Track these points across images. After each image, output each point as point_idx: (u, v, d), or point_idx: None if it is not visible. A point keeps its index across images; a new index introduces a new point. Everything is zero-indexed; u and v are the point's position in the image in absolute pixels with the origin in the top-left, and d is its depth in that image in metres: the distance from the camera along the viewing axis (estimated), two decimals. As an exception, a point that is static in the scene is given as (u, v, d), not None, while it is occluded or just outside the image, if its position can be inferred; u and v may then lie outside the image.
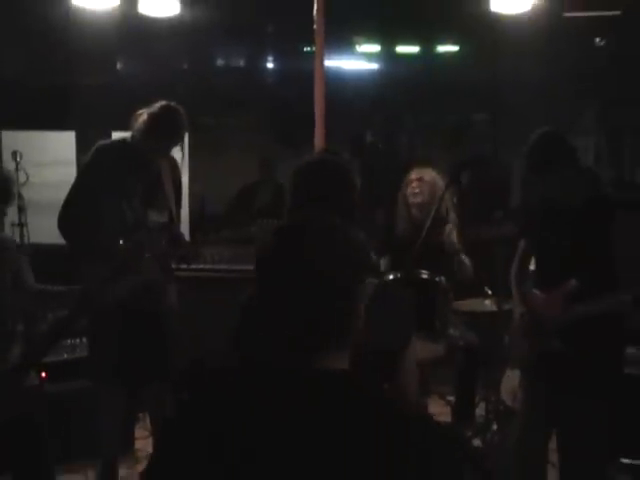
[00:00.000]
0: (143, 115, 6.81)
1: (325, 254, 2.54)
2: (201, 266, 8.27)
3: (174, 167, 7.25)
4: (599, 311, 5.35)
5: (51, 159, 8.57)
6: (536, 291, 5.76)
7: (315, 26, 8.66)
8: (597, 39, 12.91)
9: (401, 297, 4.44)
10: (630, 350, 6.67)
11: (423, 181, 7.99)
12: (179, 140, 7.07)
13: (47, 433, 5.46)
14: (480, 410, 7.72)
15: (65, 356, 6.93)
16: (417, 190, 7.96)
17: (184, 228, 7.86)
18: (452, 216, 8.04)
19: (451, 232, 7.98)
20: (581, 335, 5.40)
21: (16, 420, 5.18)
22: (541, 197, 5.92)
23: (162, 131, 6.83)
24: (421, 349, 6.49)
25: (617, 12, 11.91)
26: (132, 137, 6.89)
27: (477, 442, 7.45)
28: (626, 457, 6.78)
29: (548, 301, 5.54)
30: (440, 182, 7.93)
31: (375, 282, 4.09)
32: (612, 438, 5.93)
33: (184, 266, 7.12)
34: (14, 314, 5.27)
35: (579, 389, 5.45)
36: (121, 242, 6.57)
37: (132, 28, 10.28)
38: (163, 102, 6.82)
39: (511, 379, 6.83)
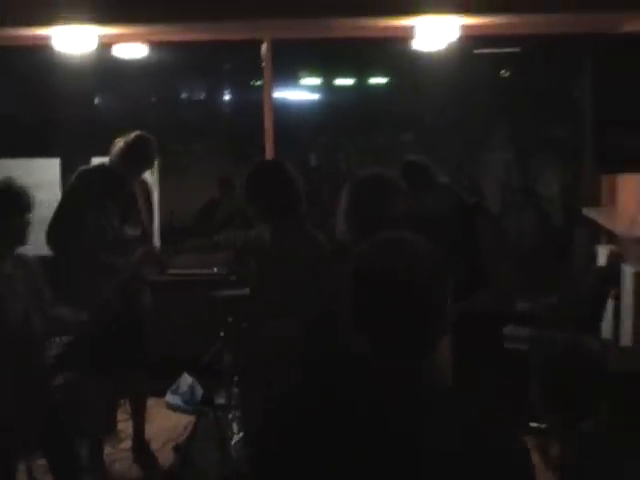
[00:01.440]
0: (120, 143, 6.92)
1: (427, 274, 2.50)
2: (170, 271, 8.32)
3: (146, 188, 7.36)
4: (475, 308, 5.47)
5: (39, 182, 8.56)
6: None
7: (263, 63, 8.78)
8: (502, 71, 13.09)
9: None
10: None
11: None
12: (151, 164, 7.21)
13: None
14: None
15: (54, 352, 6.95)
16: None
17: (156, 239, 7.94)
18: None
19: None
20: (463, 326, 5.51)
21: (48, 413, 5.28)
22: (410, 210, 6.05)
23: (136, 157, 6.95)
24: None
25: (517, 49, 12.12)
26: (110, 162, 6.99)
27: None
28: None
29: None
30: None
31: None
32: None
33: (156, 271, 7.22)
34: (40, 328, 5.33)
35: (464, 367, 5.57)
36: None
37: (107, 68, 10.33)
38: (137, 132, 6.94)
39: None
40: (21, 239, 5.25)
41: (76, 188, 6.91)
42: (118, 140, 6.99)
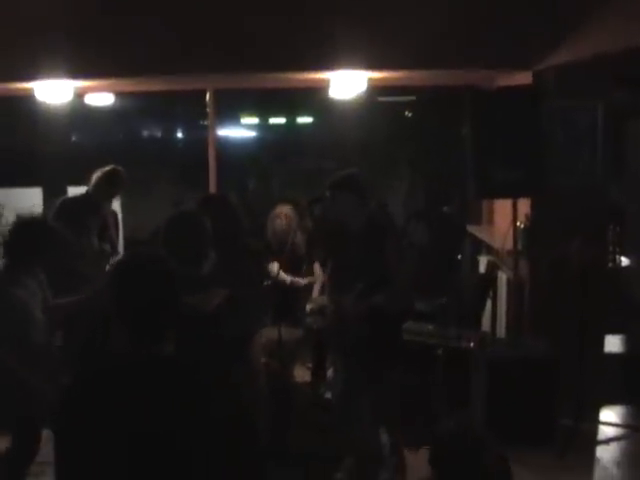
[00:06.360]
0: (97, 175, 7.06)
1: (156, 282, 2.75)
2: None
3: (114, 214, 7.50)
4: (377, 303, 5.58)
5: (25, 207, 8.59)
6: (338, 294, 5.95)
7: (208, 108, 8.86)
8: (406, 112, 13.24)
9: (250, 302, 4.56)
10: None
11: (283, 214, 8.03)
12: (121, 191, 7.34)
13: None
14: (330, 372, 7.79)
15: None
16: (277, 221, 7.99)
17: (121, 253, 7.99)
18: (301, 238, 8.08)
19: (301, 248, 8.04)
20: (370, 322, 5.61)
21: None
22: (332, 225, 6.14)
23: (110, 186, 7.08)
24: (287, 332, 6.71)
25: (413, 97, 12.32)
26: (87, 191, 7.12)
27: (328, 394, 7.54)
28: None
29: (345, 301, 5.76)
30: (293, 214, 8.01)
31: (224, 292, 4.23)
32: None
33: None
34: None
35: (373, 357, 5.67)
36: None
37: (81, 114, 10.34)
38: (111, 166, 7.10)
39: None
40: (43, 257, 5.34)
41: (61, 215, 6.99)
42: (96, 173, 7.12)
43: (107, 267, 7.07)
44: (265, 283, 6.76)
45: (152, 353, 2.70)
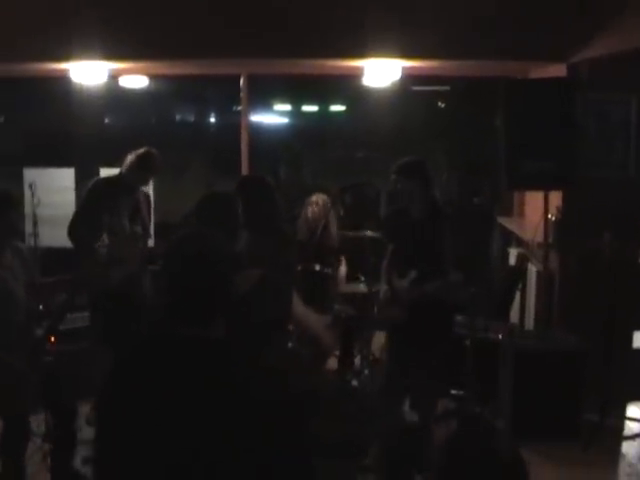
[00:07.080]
0: (132, 157, 7.01)
1: (203, 263, 2.69)
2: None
3: (147, 197, 7.46)
4: (431, 291, 5.59)
5: (57, 187, 8.65)
6: (394, 278, 5.96)
7: (241, 94, 8.88)
8: (439, 102, 13.18)
9: (278, 282, 4.55)
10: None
11: (317, 202, 8.03)
12: (156, 174, 7.30)
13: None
14: (357, 360, 7.80)
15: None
16: (310, 208, 7.99)
17: (152, 235, 8.02)
18: (334, 226, 8.07)
19: (332, 236, 8.03)
20: (422, 307, 5.62)
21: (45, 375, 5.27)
22: (395, 211, 6.14)
23: (144, 168, 7.03)
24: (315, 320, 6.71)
25: (447, 87, 12.27)
26: (121, 172, 7.08)
27: (355, 382, 7.54)
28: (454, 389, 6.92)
29: (400, 285, 5.77)
30: (327, 202, 8.01)
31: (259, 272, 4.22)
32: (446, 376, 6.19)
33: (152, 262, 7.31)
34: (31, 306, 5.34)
35: (420, 344, 5.68)
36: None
37: (115, 95, 10.38)
38: (146, 148, 7.04)
39: (379, 338, 7.01)
40: (17, 231, 5.29)
41: (92, 195, 7.00)
42: (130, 154, 7.08)
43: (140, 245, 7.11)
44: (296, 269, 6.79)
45: (199, 335, 2.66)
